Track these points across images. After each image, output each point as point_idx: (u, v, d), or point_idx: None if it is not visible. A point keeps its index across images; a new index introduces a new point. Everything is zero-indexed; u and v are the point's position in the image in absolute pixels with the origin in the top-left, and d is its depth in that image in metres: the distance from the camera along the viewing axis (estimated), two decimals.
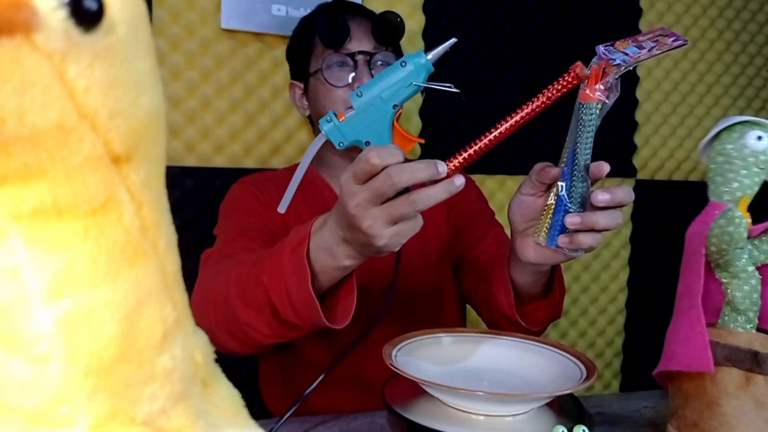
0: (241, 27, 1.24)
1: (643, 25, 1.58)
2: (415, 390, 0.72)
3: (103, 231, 0.24)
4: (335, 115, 0.62)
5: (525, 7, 1.47)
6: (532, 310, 0.84)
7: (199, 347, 0.30)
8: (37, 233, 0.23)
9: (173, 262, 0.28)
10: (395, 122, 0.62)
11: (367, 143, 0.62)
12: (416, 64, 0.61)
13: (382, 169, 0.58)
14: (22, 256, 0.23)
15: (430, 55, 0.61)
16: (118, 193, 0.25)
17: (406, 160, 0.59)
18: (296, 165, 1.08)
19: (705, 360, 0.59)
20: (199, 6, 1.22)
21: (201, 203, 1.25)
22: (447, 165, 0.61)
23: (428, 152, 1.40)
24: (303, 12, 1.27)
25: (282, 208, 0.67)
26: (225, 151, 1.26)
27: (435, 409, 0.70)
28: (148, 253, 0.26)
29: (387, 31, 0.96)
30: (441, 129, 1.43)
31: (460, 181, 0.61)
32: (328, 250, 0.65)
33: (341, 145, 0.63)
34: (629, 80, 1.58)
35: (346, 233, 0.63)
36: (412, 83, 0.61)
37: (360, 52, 0.96)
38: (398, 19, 0.98)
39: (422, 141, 0.66)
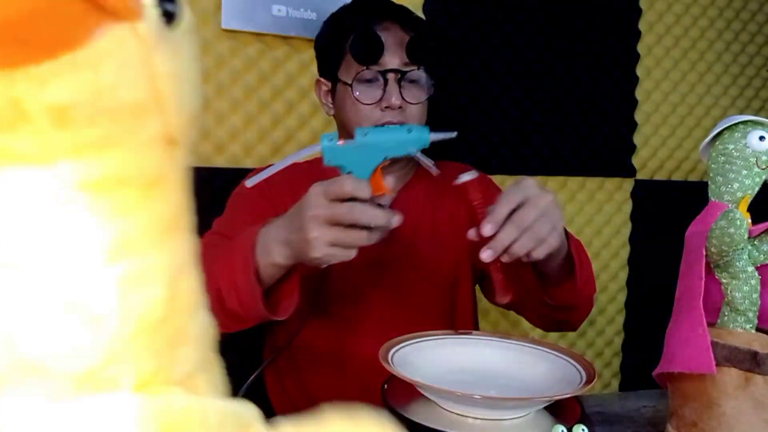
0: (242, 27, 1.24)
1: (642, 26, 1.58)
2: (415, 391, 0.72)
3: (154, 203, 0.27)
4: (336, 139, 0.70)
5: (525, 8, 1.47)
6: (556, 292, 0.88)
7: (212, 323, 0.32)
8: (100, 200, 0.25)
9: (194, 243, 0.31)
10: (379, 168, 0.71)
11: (349, 173, 0.70)
12: (420, 138, 0.70)
13: (350, 200, 0.67)
14: (87, 221, 0.25)
15: (432, 136, 0.71)
16: (169, 172, 0.27)
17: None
18: (317, 158, 1.11)
19: (706, 362, 0.59)
20: (199, 6, 1.22)
21: (201, 203, 1.24)
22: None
23: (428, 152, 1.40)
24: (303, 12, 1.27)
25: (249, 183, 0.76)
26: (225, 152, 1.26)
27: (433, 411, 0.70)
28: (183, 229, 0.29)
29: (421, 52, 0.96)
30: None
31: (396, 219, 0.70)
32: (266, 247, 0.73)
33: (329, 162, 0.71)
34: (629, 80, 1.58)
35: (289, 234, 0.70)
36: (411, 151, 0.70)
37: (391, 70, 0.95)
38: (433, 41, 0.98)
39: (391, 194, 0.75)
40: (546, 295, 0.88)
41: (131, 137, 0.25)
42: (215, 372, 0.32)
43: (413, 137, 0.70)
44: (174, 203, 0.28)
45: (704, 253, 0.63)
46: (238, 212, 0.99)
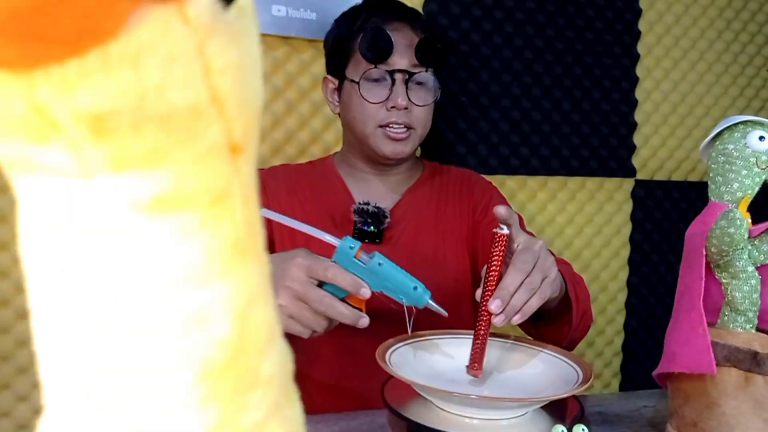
0: None
1: (642, 25, 1.58)
2: (413, 390, 0.72)
3: (218, 224, 0.22)
4: (356, 249, 0.71)
5: (524, 8, 1.47)
6: (543, 329, 0.91)
7: (288, 354, 0.28)
8: (154, 223, 0.21)
9: (268, 263, 0.26)
10: (373, 293, 0.73)
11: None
12: (418, 299, 0.72)
13: (324, 289, 0.70)
14: (140, 248, 0.21)
15: (429, 303, 0.73)
16: (233, 186, 0.23)
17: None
18: (320, 159, 1.12)
19: (707, 361, 0.59)
20: None
21: None
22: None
23: (428, 152, 1.40)
24: (303, 13, 1.27)
25: (264, 212, 0.74)
26: None
27: (430, 411, 0.70)
28: (252, 251, 0.24)
29: (430, 55, 0.97)
30: (440, 129, 1.43)
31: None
32: None
33: (335, 259, 0.71)
34: (629, 80, 1.58)
35: None
36: (402, 299, 0.72)
37: (399, 71, 0.96)
38: (442, 45, 0.98)
39: (365, 322, 0.73)
40: (538, 336, 0.91)
41: (187, 148, 0.21)
42: (292, 410, 0.28)
43: (414, 295, 0.72)
44: (242, 223, 0.23)
45: (704, 253, 0.63)
46: None
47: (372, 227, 0.99)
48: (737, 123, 0.64)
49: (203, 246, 0.22)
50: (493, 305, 0.71)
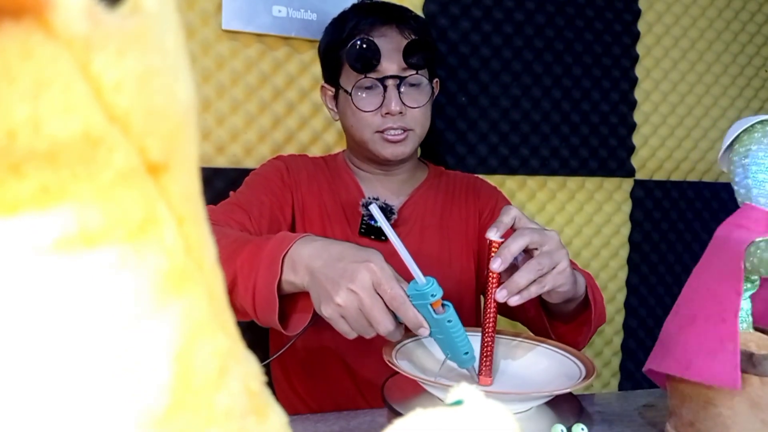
0: (242, 28, 1.24)
1: (642, 26, 1.58)
2: (415, 388, 0.73)
3: (143, 257, 0.20)
4: (437, 298, 0.67)
5: (524, 8, 1.47)
6: (560, 329, 0.92)
7: (253, 375, 0.25)
8: (63, 268, 0.18)
9: (219, 280, 0.24)
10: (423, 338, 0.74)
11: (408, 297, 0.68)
12: (463, 361, 0.72)
13: (385, 302, 0.66)
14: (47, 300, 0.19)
15: (470, 371, 0.74)
16: (157, 210, 0.20)
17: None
18: (330, 155, 1.15)
19: (733, 378, 0.58)
20: (199, 7, 1.22)
21: None
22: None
23: (427, 152, 1.40)
24: (304, 13, 1.27)
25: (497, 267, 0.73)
26: (226, 152, 1.27)
27: (434, 407, 0.71)
28: (194, 277, 0.22)
29: (419, 57, 0.97)
30: (440, 129, 1.43)
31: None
32: (294, 264, 0.70)
33: (407, 295, 0.67)
34: (628, 81, 1.59)
35: (321, 273, 0.67)
36: (448, 354, 0.72)
37: (390, 77, 0.96)
38: (431, 44, 0.98)
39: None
40: (557, 338, 0.91)
41: (86, 181, 0.18)
42: (264, 425, 0.25)
43: (462, 358, 0.72)
44: (176, 248, 0.21)
45: (743, 266, 0.60)
46: (256, 190, 1.00)
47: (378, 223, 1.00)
48: (753, 124, 0.63)
49: (126, 284, 0.20)
50: (495, 264, 0.71)
